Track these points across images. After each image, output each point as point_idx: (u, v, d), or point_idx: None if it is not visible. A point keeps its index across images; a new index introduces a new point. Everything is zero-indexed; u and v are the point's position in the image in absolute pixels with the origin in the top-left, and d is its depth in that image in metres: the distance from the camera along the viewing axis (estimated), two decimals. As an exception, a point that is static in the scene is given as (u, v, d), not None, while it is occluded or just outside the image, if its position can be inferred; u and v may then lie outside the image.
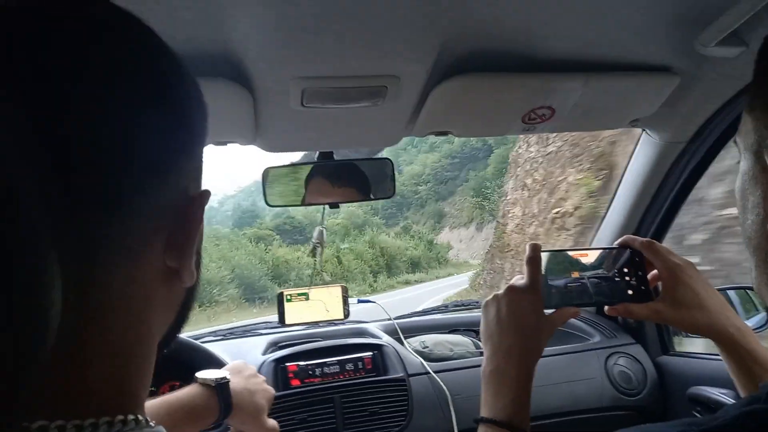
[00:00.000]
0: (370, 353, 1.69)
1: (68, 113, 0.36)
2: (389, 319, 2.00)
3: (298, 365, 1.63)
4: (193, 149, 0.48)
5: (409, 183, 65.46)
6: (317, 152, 1.41)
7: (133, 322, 0.43)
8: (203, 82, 0.97)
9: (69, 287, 0.34)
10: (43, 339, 0.32)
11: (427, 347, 1.78)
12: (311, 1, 0.81)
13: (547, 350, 1.37)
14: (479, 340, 1.32)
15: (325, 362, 1.64)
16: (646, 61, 1.16)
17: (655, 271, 1.00)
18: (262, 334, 1.94)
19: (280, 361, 1.64)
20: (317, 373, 1.62)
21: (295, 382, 1.60)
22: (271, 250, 34.09)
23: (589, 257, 1.01)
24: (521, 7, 0.93)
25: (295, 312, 1.84)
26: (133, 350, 0.44)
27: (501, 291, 0.98)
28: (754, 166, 0.58)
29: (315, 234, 1.78)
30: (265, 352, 1.75)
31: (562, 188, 9.80)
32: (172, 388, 1.03)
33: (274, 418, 1.13)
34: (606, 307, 0.99)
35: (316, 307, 1.85)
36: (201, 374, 1.05)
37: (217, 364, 1.13)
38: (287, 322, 1.84)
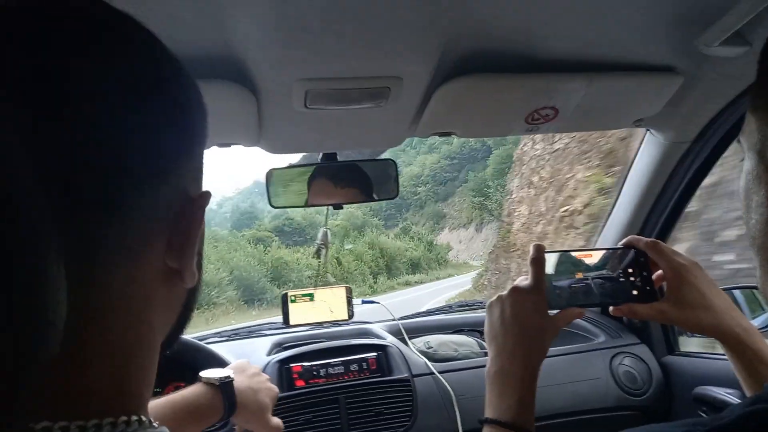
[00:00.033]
0: (375, 354, 1.69)
1: (67, 114, 0.37)
2: (393, 320, 2.00)
3: (302, 366, 1.63)
4: (193, 150, 0.48)
5: (408, 184, 65.40)
6: (320, 153, 1.42)
7: (133, 323, 0.44)
8: (207, 84, 0.99)
9: (69, 287, 0.34)
10: (43, 339, 0.32)
11: (432, 348, 1.78)
12: (313, 3, 0.82)
13: (552, 350, 1.37)
14: (484, 341, 1.32)
15: (329, 363, 1.65)
16: (649, 61, 1.15)
17: (660, 272, 0.99)
18: (266, 335, 1.95)
19: (284, 362, 1.64)
20: (322, 373, 1.63)
21: (300, 383, 1.60)
22: (270, 252, 33.89)
23: (594, 258, 1.00)
24: (524, 8, 0.93)
25: (299, 313, 1.84)
26: (134, 350, 0.44)
27: (505, 292, 0.98)
28: (757, 165, 0.58)
29: (319, 235, 1.78)
30: (269, 353, 1.75)
31: (571, 186, 9.68)
32: (177, 389, 1.03)
33: (279, 419, 1.13)
34: (611, 308, 0.99)
35: (321, 307, 1.85)
36: (205, 373, 1.05)
37: (221, 364, 1.14)
38: (291, 322, 1.84)
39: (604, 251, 1.02)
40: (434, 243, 49.65)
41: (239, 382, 1.07)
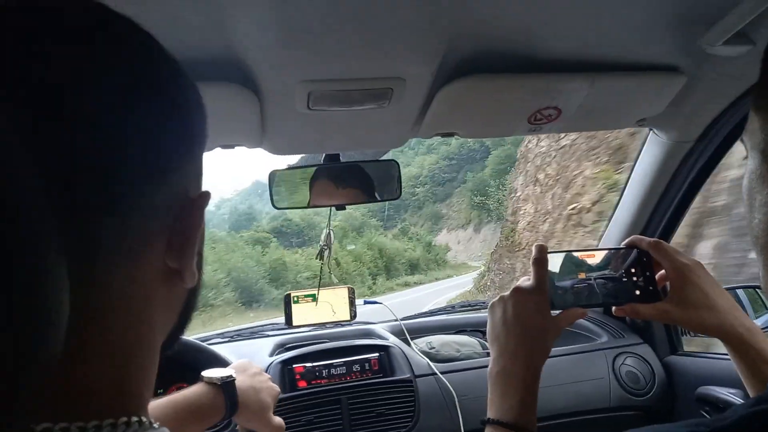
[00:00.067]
0: (377, 354, 1.69)
1: (66, 114, 0.37)
2: (396, 320, 2.00)
3: (305, 367, 1.63)
4: (193, 151, 0.49)
5: (407, 185, 65.40)
6: (323, 154, 1.42)
7: (134, 323, 0.44)
8: (210, 86, 0.99)
9: (70, 287, 0.34)
10: (43, 339, 0.31)
11: (434, 348, 1.78)
12: (316, 5, 0.82)
13: (554, 350, 1.37)
14: (486, 341, 1.32)
15: (332, 363, 1.65)
16: (652, 60, 1.15)
17: (662, 271, 0.99)
18: (269, 336, 1.95)
19: (287, 363, 1.64)
20: (324, 374, 1.63)
21: (302, 384, 1.60)
22: (269, 253, 33.75)
23: (596, 258, 1.00)
24: (526, 8, 0.93)
25: (301, 313, 1.84)
26: (134, 351, 0.44)
27: (507, 292, 0.98)
28: (761, 164, 0.58)
29: (323, 237, 1.78)
30: (272, 354, 1.75)
31: (578, 183, 9.52)
32: (180, 390, 1.04)
33: (281, 418, 1.14)
34: (613, 308, 0.99)
35: (323, 308, 1.85)
36: (207, 373, 1.05)
37: (223, 364, 1.14)
38: (294, 323, 1.84)
39: (606, 251, 1.02)
40: (433, 244, 49.67)
41: (241, 381, 1.07)
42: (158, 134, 0.43)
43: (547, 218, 10.98)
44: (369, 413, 1.57)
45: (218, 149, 1.29)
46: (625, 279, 0.99)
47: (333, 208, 1.49)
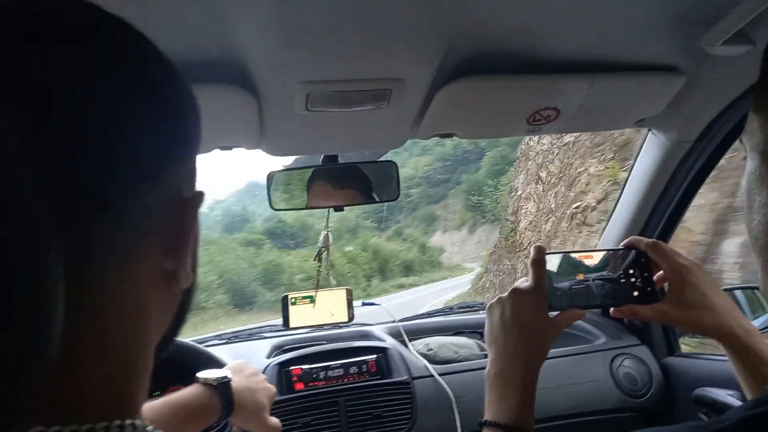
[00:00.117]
0: (375, 356, 1.69)
1: (60, 114, 0.36)
2: (394, 322, 2.00)
3: (302, 369, 1.63)
4: (187, 152, 0.49)
5: (402, 186, 65.31)
6: (322, 155, 1.41)
7: (128, 324, 0.43)
8: (209, 88, 0.99)
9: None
10: (43, 339, 0.31)
11: (432, 350, 1.78)
12: (315, 6, 0.81)
13: (552, 352, 1.37)
14: (484, 343, 1.31)
15: (329, 365, 1.64)
16: (651, 60, 1.15)
17: (661, 272, 0.99)
18: (266, 338, 1.95)
19: (284, 365, 1.64)
20: (321, 376, 1.62)
21: (299, 386, 1.60)
22: (262, 255, 33.37)
23: (594, 259, 1.00)
24: (525, 8, 0.93)
25: (299, 315, 1.84)
26: (128, 353, 0.44)
27: (505, 293, 0.98)
28: (760, 165, 0.58)
29: (321, 238, 1.78)
30: (269, 356, 1.75)
31: (583, 180, 9.37)
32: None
33: (277, 419, 1.13)
34: (611, 309, 0.99)
35: (321, 310, 1.85)
36: (202, 374, 1.06)
37: (219, 366, 1.14)
38: (291, 325, 1.83)
39: (605, 252, 1.02)
40: (427, 245, 49.63)
41: (237, 382, 1.08)
42: (152, 135, 0.43)
43: (550, 217, 10.80)
44: (366, 415, 1.56)
45: (217, 150, 1.29)
46: (623, 280, 0.99)
47: (331, 210, 1.49)
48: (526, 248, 11.93)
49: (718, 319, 0.91)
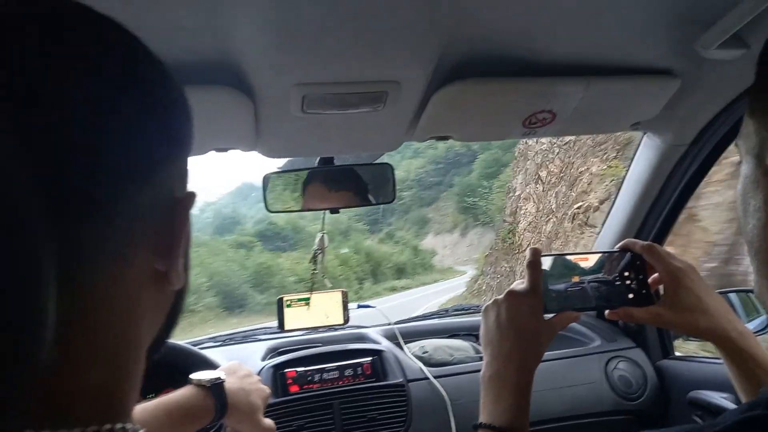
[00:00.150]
0: (370, 359, 1.69)
1: (47, 114, 0.36)
2: (389, 324, 2.00)
3: (296, 371, 1.62)
4: (178, 152, 0.48)
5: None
6: (317, 157, 1.41)
7: (119, 325, 0.43)
8: (204, 90, 0.99)
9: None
10: (35, 341, 0.31)
11: (427, 352, 1.78)
12: (311, 8, 0.81)
13: (547, 354, 1.37)
14: (479, 345, 1.31)
15: (324, 368, 1.64)
16: (647, 64, 1.16)
17: (656, 275, 0.99)
18: (261, 340, 1.94)
19: (278, 367, 1.64)
20: (316, 379, 1.62)
21: (294, 388, 1.60)
22: (252, 257, 33.03)
23: (590, 261, 1.00)
24: (521, 12, 0.93)
25: (294, 317, 1.83)
26: (120, 355, 0.43)
27: (501, 296, 0.98)
28: (755, 169, 0.58)
29: (316, 240, 1.77)
30: (264, 358, 1.74)
31: (584, 180, 9.21)
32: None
33: (271, 420, 1.13)
34: (607, 312, 0.99)
35: (316, 312, 1.84)
36: (195, 375, 1.05)
37: (213, 368, 1.14)
38: (286, 327, 1.83)
39: (600, 254, 1.02)
40: (419, 248, 49.57)
41: (230, 383, 1.07)
42: (142, 134, 0.43)
43: (550, 218, 10.61)
44: (361, 418, 1.56)
45: (212, 152, 1.29)
46: (618, 282, 0.99)
47: (327, 212, 1.48)
48: (525, 250, 11.73)
49: (712, 322, 0.92)
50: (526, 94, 1.16)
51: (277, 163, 1.47)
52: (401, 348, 1.80)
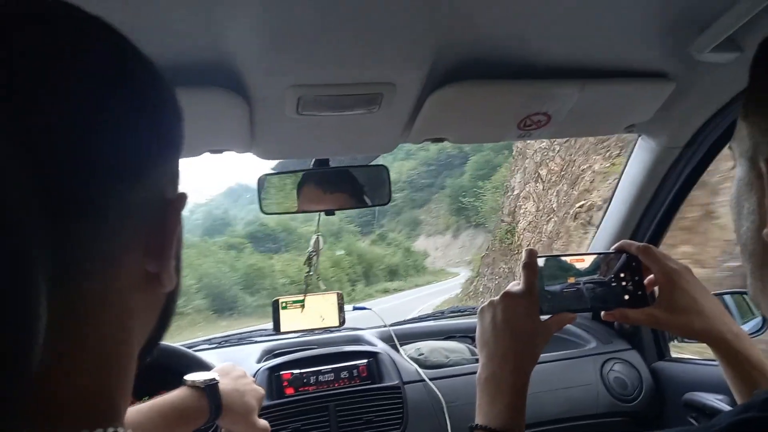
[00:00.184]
0: (365, 361, 1.68)
1: (36, 113, 0.36)
2: (385, 326, 1.99)
3: (292, 373, 1.62)
4: (168, 152, 0.48)
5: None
6: (313, 159, 1.41)
7: (111, 328, 0.43)
8: (199, 91, 0.99)
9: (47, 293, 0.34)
10: (31, 345, 0.31)
11: (423, 354, 1.78)
12: (306, 10, 0.81)
13: (543, 356, 1.37)
14: (475, 347, 1.31)
15: (319, 370, 1.64)
16: (641, 67, 1.16)
17: (651, 276, 1.00)
18: (256, 342, 1.94)
19: (274, 370, 1.63)
20: (312, 381, 1.62)
21: (290, 391, 1.59)
22: (243, 258, 32.79)
23: (586, 262, 1.00)
24: (517, 14, 0.94)
25: (290, 320, 1.83)
26: (112, 357, 0.43)
27: (497, 297, 0.98)
28: (749, 172, 0.59)
29: (311, 242, 1.77)
30: (259, 360, 1.74)
31: (587, 178, 9.07)
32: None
33: (266, 421, 1.13)
34: (602, 313, 0.99)
35: (312, 314, 1.84)
36: (190, 377, 1.06)
37: (208, 369, 1.14)
38: (282, 329, 1.82)
39: (596, 256, 1.02)
40: (411, 249, 49.54)
41: (225, 384, 1.08)
42: (132, 133, 0.43)
43: (551, 217, 10.44)
44: (357, 420, 1.56)
45: (207, 154, 1.28)
46: (614, 284, 0.99)
47: (322, 214, 1.48)
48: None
49: (707, 323, 0.92)
50: (521, 97, 1.16)
51: (269, 165, 1.47)
52: (397, 350, 1.80)
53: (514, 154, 14.87)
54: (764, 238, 0.55)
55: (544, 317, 0.96)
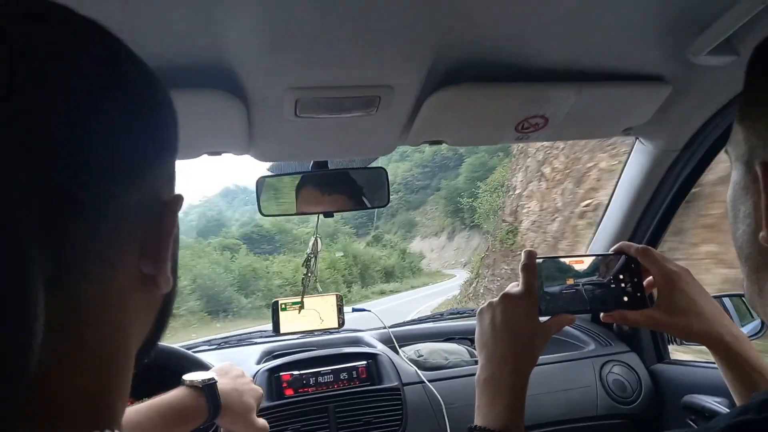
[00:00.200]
0: (365, 362, 1.69)
1: (31, 115, 0.36)
2: (384, 328, 2.00)
3: (292, 375, 1.62)
4: (163, 154, 0.48)
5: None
6: (311, 161, 1.41)
7: (108, 330, 0.43)
8: (197, 93, 0.99)
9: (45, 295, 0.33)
10: (25, 347, 0.31)
11: (422, 356, 1.78)
12: (305, 13, 0.82)
13: (542, 358, 1.37)
14: (474, 349, 1.31)
15: (319, 371, 1.64)
16: (638, 70, 1.16)
17: (650, 278, 1.00)
18: (256, 343, 1.94)
19: (274, 371, 1.63)
20: (311, 382, 1.62)
21: (289, 392, 1.60)
22: (238, 259, 32.53)
23: (585, 264, 1.00)
24: (514, 17, 0.94)
25: (289, 321, 1.83)
26: (111, 358, 0.43)
27: (496, 298, 0.98)
28: (744, 176, 0.59)
29: (310, 244, 1.77)
30: (259, 362, 1.74)
31: (593, 176, 8.84)
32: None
33: (265, 420, 1.13)
34: (601, 314, 0.99)
35: (311, 316, 1.84)
36: (188, 376, 1.05)
37: (206, 369, 1.14)
38: (282, 331, 1.83)
39: (595, 257, 1.02)
40: (407, 251, 49.46)
41: (223, 384, 1.07)
42: (127, 134, 0.43)
43: (556, 216, 10.22)
44: (356, 422, 1.56)
45: (205, 156, 1.28)
46: (613, 285, 0.99)
47: (321, 215, 1.49)
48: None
49: (707, 325, 0.92)
50: (518, 99, 1.16)
51: (265, 167, 1.47)
52: (396, 352, 1.80)
53: (514, 152, 14.51)
54: (760, 242, 0.55)
55: (543, 318, 0.96)
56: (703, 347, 0.96)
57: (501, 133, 1.31)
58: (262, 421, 1.12)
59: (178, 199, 0.49)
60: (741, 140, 0.59)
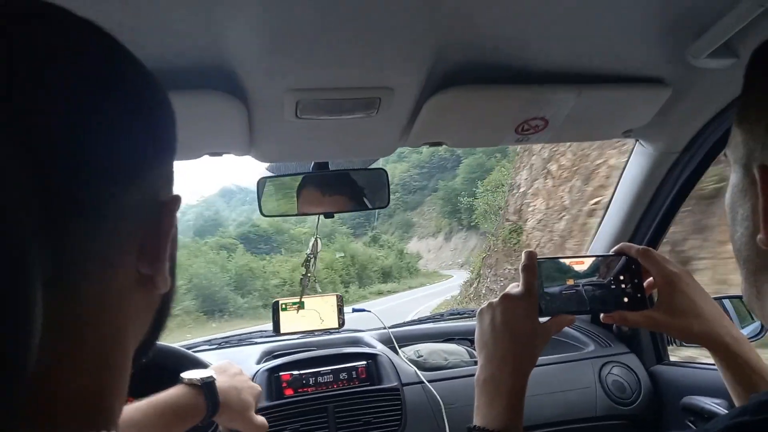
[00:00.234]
0: (364, 362, 1.69)
1: (39, 116, 0.36)
2: (384, 328, 2.00)
3: (291, 374, 1.62)
4: (162, 154, 0.48)
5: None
6: (312, 162, 1.42)
7: (107, 330, 0.43)
8: (198, 95, 1.00)
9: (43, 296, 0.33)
10: (24, 347, 0.31)
11: (422, 356, 1.78)
12: (306, 14, 0.82)
13: (542, 359, 1.37)
14: (474, 349, 1.31)
15: (319, 371, 1.64)
16: (638, 72, 1.16)
17: (650, 279, 1.00)
18: (256, 343, 1.94)
19: (273, 371, 1.63)
20: (311, 382, 1.62)
21: (289, 392, 1.60)
22: (234, 259, 32.29)
23: (585, 265, 1.00)
24: (515, 19, 0.94)
25: (289, 321, 1.83)
26: (107, 360, 0.43)
27: (496, 299, 0.98)
28: (743, 179, 0.59)
29: (310, 245, 1.77)
30: (259, 362, 1.74)
31: (602, 173, 8.68)
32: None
33: (264, 418, 1.14)
34: (601, 315, 0.99)
35: (311, 316, 1.85)
36: (186, 374, 1.06)
37: (204, 367, 1.15)
38: (282, 331, 1.83)
39: (595, 258, 1.02)
40: (405, 252, 49.39)
41: (222, 381, 1.08)
42: (127, 135, 0.43)
43: (563, 215, 10.02)
44: (356, 422, 1.56)
45: (206, 157, 1.29)
46: (613, 286, 0.99)
47: (321, 216, 1.49)
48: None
49: (707, 327, 0.92)
50: (518, 101, 1.17)
51: (263, 167, 1.47)
52: (396, 352, 1.80)
53: (518, 150, 14.28)
54: (758, 244, 0.56)
55: (543, 319, 0.96)
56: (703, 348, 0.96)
57: (501, 134, 1.31)
58: (260, 419, 1.12)
59: (177, 200, 0.49)
60: (739, 143, 0.59)
